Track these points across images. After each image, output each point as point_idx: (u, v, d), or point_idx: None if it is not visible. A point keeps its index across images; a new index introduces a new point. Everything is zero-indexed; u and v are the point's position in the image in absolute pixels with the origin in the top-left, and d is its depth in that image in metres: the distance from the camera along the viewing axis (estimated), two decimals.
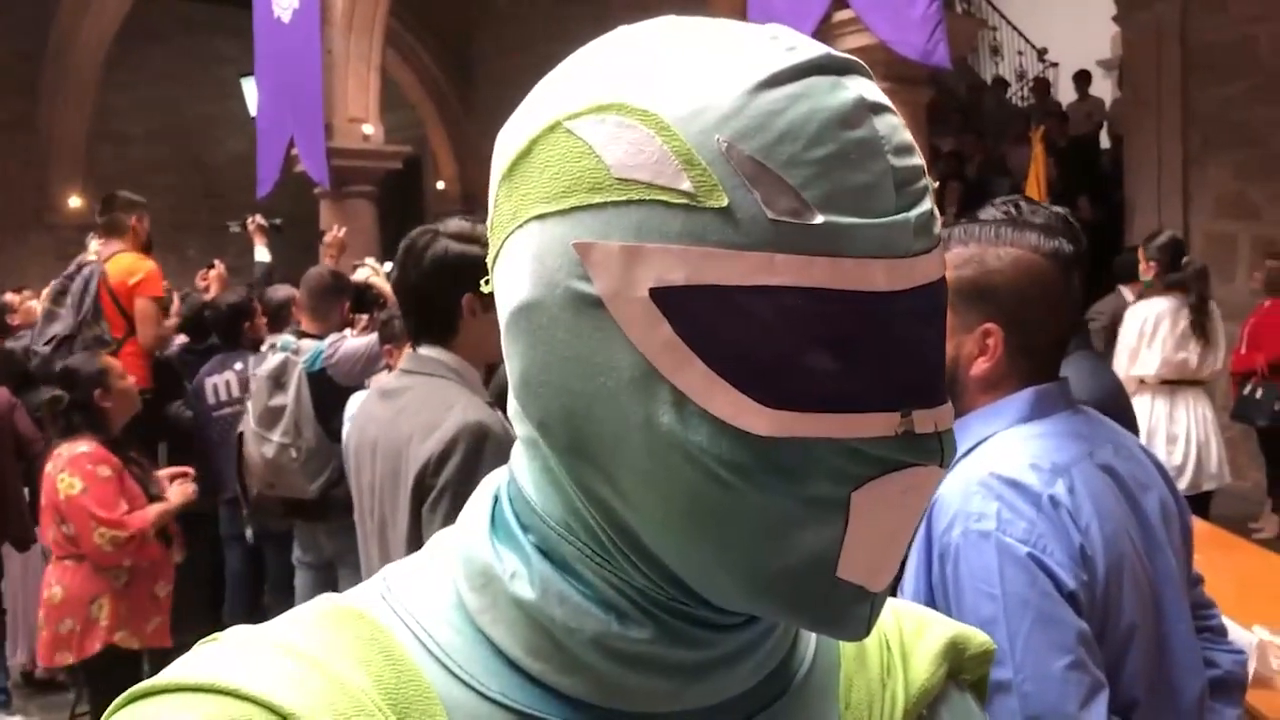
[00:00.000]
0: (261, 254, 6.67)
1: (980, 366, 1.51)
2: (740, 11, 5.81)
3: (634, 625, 0.53)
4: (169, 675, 0.50)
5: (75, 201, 12.54)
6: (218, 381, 5.13)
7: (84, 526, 3.51)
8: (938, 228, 0.51)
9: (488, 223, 0.56)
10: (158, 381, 5.41)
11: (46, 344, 5.19)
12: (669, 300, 0.48)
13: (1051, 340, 1.52)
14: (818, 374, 0.48)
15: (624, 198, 0.48)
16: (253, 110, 9.71)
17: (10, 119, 12.37)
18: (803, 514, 0.49)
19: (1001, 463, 1.43)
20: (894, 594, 1.53)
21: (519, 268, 0.52)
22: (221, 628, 0.56)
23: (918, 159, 0.51)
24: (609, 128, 0.49)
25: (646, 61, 0.50)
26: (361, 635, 0.54)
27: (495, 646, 0.54)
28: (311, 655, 0.51)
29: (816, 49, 0.50)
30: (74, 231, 8.08)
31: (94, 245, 5.75)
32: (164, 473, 3.96)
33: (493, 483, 0.60)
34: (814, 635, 0.63)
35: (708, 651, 0.54)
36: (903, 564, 2.52)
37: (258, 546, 4.91)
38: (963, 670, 0.69)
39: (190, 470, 4.00)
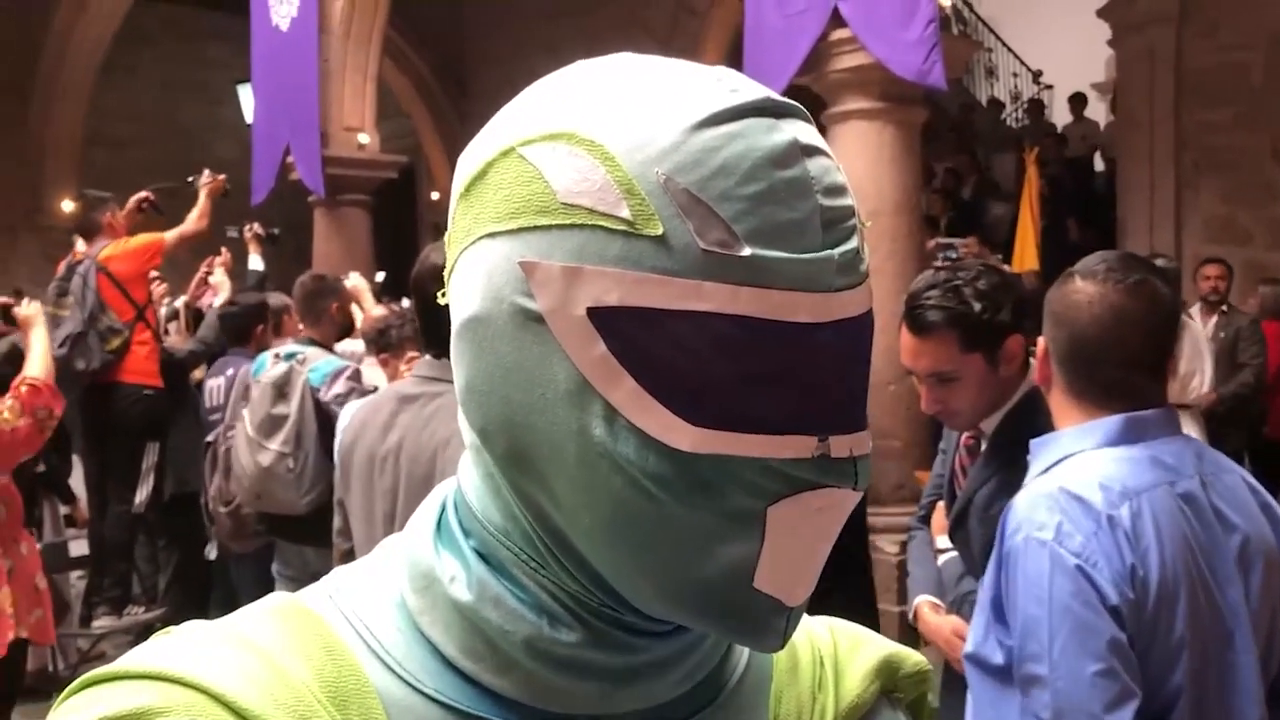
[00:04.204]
0: (256, 263, 6.64)
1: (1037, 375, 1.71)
2: (737, 29, 5.83)
3: (564, 629, 0.55)
4: (120, 664, 0.53)
5: (68, 205, 12.44)
6: (212, 386, 5.01)
7: None
8: (864, 266, 0.54)
9: (446, 238, 0.59)
10: (166, 380, 5.45)
11: (61, 345, 5.17)
12: (604, 319, 0.51)
13: (1119, 364, 1.59)
14: (740, 396, 0.51)
15: (568, 222, 0.51)
16: (249, 117, 9.71)
17: (1, 119, 12.32)
18: (721, 527, 0.51)
19: (1073, 479, 1.54)
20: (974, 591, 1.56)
21: (470, 282, 0.55)
22: None
23: (848, 200, 0.53)
24: (559, 155, 0.52)
25: (598, 95, 0.53)
26: (306, 630, 0.56)
27: (434, 646, 0.57)
28: (257, 646, 0.54)
29: (758, 92, 0.53)
30: (65, 234, 8.07)
31: (80, 245, 5.80)
32: None
33: (442, 490, 0.63)
34: (748, 649, 0.65)
35: (635, 657, 0.57)
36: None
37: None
38: (897, 689, 0.71)
39: None
